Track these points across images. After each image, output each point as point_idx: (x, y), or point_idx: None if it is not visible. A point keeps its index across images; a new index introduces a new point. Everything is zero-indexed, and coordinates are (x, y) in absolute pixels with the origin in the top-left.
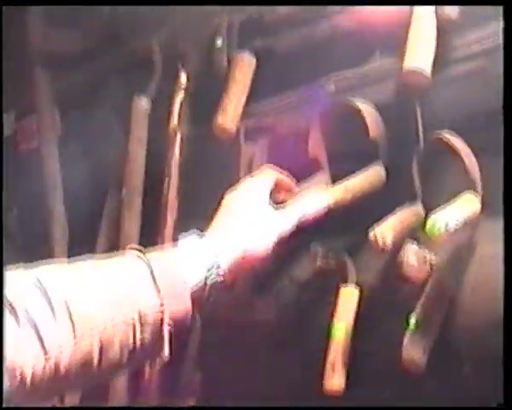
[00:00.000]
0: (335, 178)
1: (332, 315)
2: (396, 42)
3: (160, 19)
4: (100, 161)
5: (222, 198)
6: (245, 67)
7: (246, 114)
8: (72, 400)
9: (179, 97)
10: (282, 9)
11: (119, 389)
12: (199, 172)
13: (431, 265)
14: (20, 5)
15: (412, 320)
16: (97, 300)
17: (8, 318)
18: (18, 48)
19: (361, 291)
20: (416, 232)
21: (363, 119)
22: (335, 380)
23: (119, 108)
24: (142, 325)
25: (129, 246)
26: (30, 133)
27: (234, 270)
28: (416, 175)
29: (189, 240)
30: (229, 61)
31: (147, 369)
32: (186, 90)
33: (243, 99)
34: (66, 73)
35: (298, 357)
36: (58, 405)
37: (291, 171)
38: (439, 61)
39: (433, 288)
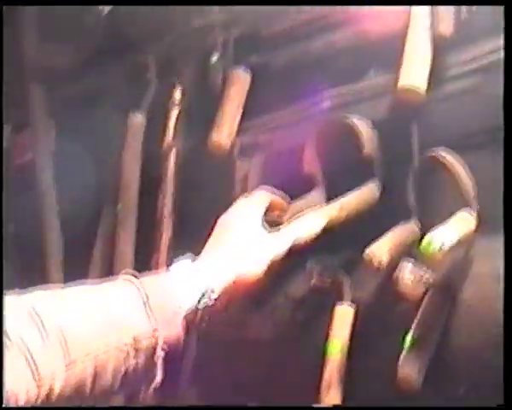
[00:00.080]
0: (330, 195)
1: (327, 333)
2: (391, 59)
3: (156, 34)
4: (94, 176)
5: (216, 221)
6: (240, 84)
7: (241, 130)
8: None
9: (174, 113)
10: (278, 25)
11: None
12: (194, 189)
13: (427, 283)
14: (20, 5)
15: (408, 338)
16: (91, 326)
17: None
18: (12, 62)
19: (356, 309)
20: (412, 250)
21: (358, 136)
22: (331, 398)
23: (114, 124)
24: (135, 350)
25: (123, 271)
26: (24, 148)
27: (227, 294)
28: (411, 192)
29: (182, 264)
30: (224, 78)
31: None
32: (181, 106)
33: (238, 115)
34: (61, 87)
35: (293, 375)
36: None
37: (286, 188)
38: (435, 79)
39: (428, 306)
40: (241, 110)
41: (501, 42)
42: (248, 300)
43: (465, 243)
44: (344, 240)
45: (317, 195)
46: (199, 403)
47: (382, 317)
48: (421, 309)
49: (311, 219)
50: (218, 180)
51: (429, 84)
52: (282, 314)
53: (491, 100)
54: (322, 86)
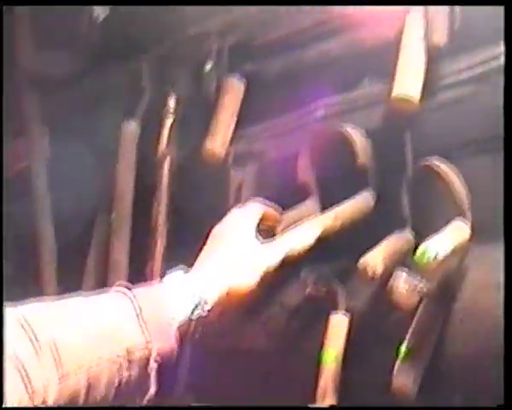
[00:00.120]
0: (325, 205)
1: (322, 342)
2: (385, 68)
3: (150, 42)
4: (88, 184)
5: (209, 231)
6: (234, 92)
7: (235, 138)
8: None
9: (169, 121)
10: (272, 33)
11: None
12: (188, 197)
13: (421, 292)
14: (20, 5)
15: (403, 348)
16: (84, 338)
17: None
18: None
19: (351, 318)
20: (406, 259)
21: (352, 145)
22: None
23: (108, 131)
24: (128, 362)
25: (116, 283)
26: (18, 156)
27: (220, 305)
28: (405, 202)
29: (175, 275)
30: (218, 86)
31: None
32: (175, 114)
33: (232, 124)
34: (55, 95)
35: (289, 384)
36: None
37: (280, 197)
38: (428, 88)
39: (423, 315)
40: (235, 119)
41: (494, 51)
42: (243, 310)
43: (459, 252)
44: (338, 249)
45: (311, 204)
46: None
47: (377, 326)
48: (415, 318)
49: (305, 230)
50: (212, 189)
51: (423, 93)
52: (276, 323)
53: (485, 109)
54: (317, 95)
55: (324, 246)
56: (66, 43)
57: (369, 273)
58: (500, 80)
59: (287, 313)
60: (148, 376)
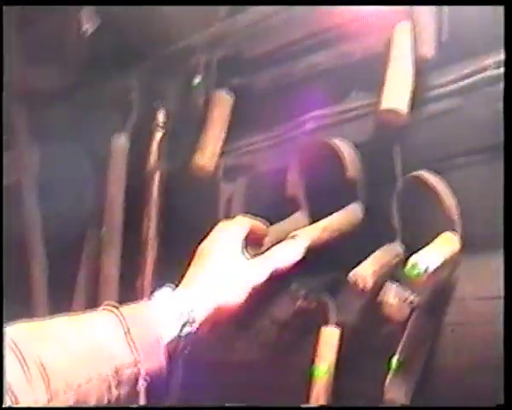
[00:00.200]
0: (314, 217)
1: (313, 355)
2: (374, 80)
3: (138, 56)
4: (78, 199)
5: (196, 248)
6: (223, 106)
7: (224, 152)
8: None
9: (158, 135)
10: (261, 47)
11: None
12: (178, 211)
13: (411, 304)
14: (20, 5)
15: (394, 361)
16: (72, 357)
17: None
18: None
19: (342, 331)
20: (396, 272)
21: (340, 158)
22: None
23: (97, 146)
24: (117, 381)
25: (105, 303)
26: (8, 170)
27: (208, 322)
28: (394, 214)
29: (163, 293)
30: (207, 100)
31: None
32: (165, 128)
33: (221, 138)
34: (45, 109)
35: (281, 396)
36: None
37: (270, 210)
38: (417, 100)
39: (414, 328)
40: (224, 132)
41: (482, 63)
42: (233, 324)
43: (450, 264)
44: (329, 262)
45: (300, 217)
46: None
47: (368, 339)
48: (406, 331)
49: (291, 246)
50: (202, 202)
51: (411, 105)
52: (268, 336)
53: (473, 121)
54: (305, 108)
55: (315, 259)
56: (55, 57)
57: (360, 286)
58: (488, 91)
59: (278, 326)
60: (137, 394)
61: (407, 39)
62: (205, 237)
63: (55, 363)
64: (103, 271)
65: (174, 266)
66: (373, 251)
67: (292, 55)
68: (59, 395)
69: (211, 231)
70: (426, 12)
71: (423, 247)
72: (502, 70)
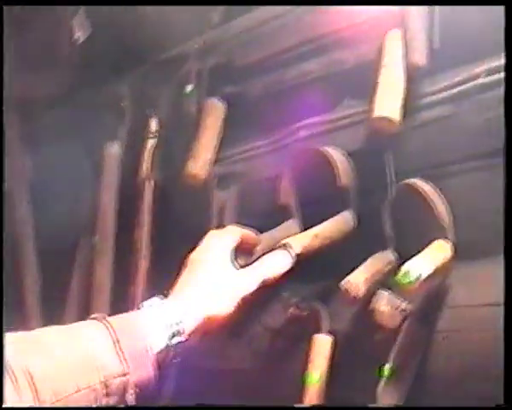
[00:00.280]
0: (306, 225)
1: (306, 363)
2: (366, 88)
3: (131, 64)
4: (71, 207)
5: (186, 257)
6: (215, 114)
7: (217, 160)
8: None
9: (150, 144)
10: (253, 55)
11: None
12: (171, 219)
13: (403, 312)
14: (20, 5)
15: (386, 368)
16: (60, 366)
17: None
18: None
19: (334, 339)
20: (388, 280)
21: (333, 166)
22: None
23: (90, 154)
24: (106, 391)
25: (92, 316)
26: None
27: (198, 332)
28: (386, 222)
29: (152, 304)
30: (199, 108)
31: None
32: (157, 136)
33: (214, 146)
34: (37, 117)
35: (273, 404)
36: None
37: (262, 218)
38: (409, 108)
39: (406, 335)
40: (216, 140)
41: (474, 70)
42: (226, 332)
43: (442, 272)
44: (321, 270)
45: (292, 225)
46: None
47: (360, 347)
48: (398, 339)
49: (281, 255)
50: (195, 210)
51: (403, 113)
52: (260, 344)
53: (465, 128)
54: (298, 116)
55: (307, 267)
56: (47, 65)
57: (352, 294)
58: (480, 99)
59: (270, 333)
60: (126, 404)
61: (399, 47)
62: (195, 246)
63: (43, 373)
64: (96, 279)
65: (167, 275)
66: (365, 259)
67: (284, 63)
68: (47, 405)
69: (202, 240)
70: (417, 19)
71: (415, 254)
72: (494, 77)
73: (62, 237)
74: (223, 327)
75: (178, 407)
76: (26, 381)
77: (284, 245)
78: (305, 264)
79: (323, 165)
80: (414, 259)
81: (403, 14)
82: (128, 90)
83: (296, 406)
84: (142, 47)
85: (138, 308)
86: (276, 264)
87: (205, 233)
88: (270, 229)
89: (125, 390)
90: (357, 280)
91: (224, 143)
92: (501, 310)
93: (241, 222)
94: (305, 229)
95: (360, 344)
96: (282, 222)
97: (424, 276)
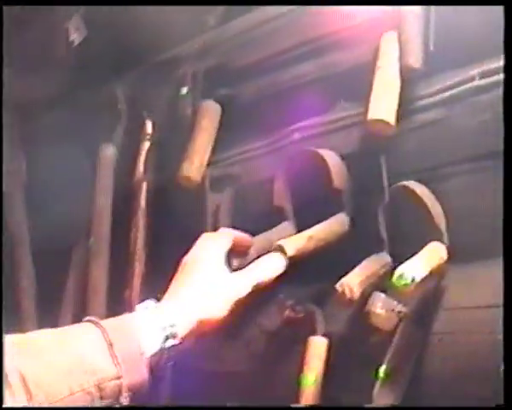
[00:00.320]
0: (300, 228)
1: (301, 365)
2: (360, 90)
3: (126, 66)
4: (66, 209)
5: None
6: (210, 116)
7: (212, 162)
8: None
9: (145, 146)
10: (247, 57)
11: None
12: (166, 222)
13: (399, 314)
14: (20, 5)
15: (382, 370)
16: (54, 369)
17: None
18: None
19: (330, 341)
20: (384, 282)
21: (327, 168)
22: None
23: (86, 155)
24: (100, 394)
25: (86, 319)
26: None
27: (192, 335)
28: (382, 224)
29: (146, 308)
30: (194, 110)
31: None
32: (152, 139)
33: (209, 148)
34: (32, 119)
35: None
36: None
37: (257, 220)
38: (404, 110)
39: (401, 337)
40: (211, 143)
41: (469, 73)
42: (221, 334)
43: (437, 274)
44: (316, 272)
45: (287, 227)
46: None
47: (356, 349)
48: (394, 341)
49: (274, 259)
50: (190, 213)
51: (398, 115)
52: (256, 346)
53: (459, 131)
54: (292, 118)
55: (302, 269)
56: (42, 67)
57: (347, 296)
58: (474, 101)
59: (266, 335)
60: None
61: (394, 49)
62: (189, 248)
63: (37, 376)
64: (91, 281)
65: (162, 277)
66: (360, 261)
67: (279, 66)
68: (42, 407)
69: (195, 242)
70: (413, 21)
71: (410, 257)
72: (488, 80)
73: (58, 239)
74: (216, 330)
75: (178, 407)
76: (20, 384)
77: (279, 246)
78: (300, 266)
79: (318, 167)
80: (409, 261)
81: (398, 17)
82: (124, 92)
83: (293, 406)
84: (138, 49)
85: (133, 311)
86: (269, 267)
87: (200, 235)
88: (265, 231)
89: (119, 393)
90: (352, 282)
91: (219, 145)
92: (496, 312)
93: (235, 224)
94: (300, 231)
95: (355, 346)
96: (277, 224)
97: (419, 278)
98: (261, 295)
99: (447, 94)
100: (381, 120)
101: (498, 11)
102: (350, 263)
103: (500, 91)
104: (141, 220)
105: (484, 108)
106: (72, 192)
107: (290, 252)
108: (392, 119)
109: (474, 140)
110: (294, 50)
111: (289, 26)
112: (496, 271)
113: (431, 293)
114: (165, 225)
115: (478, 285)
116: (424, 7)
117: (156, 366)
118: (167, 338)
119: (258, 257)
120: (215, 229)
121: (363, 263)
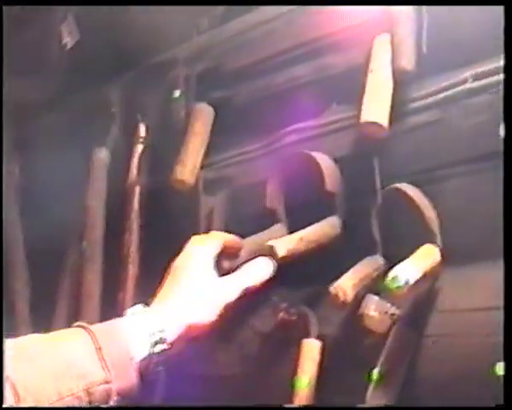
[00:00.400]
0: (293, 230)
1: (295, 367)
2: (354, 93)
3: (119, 69)
4: (59, 213)
5: (169, 264)
6: (204, 119)
7: (205, 165)
8: None
9: (138, 149)
10: (241, 60)
11: None
12: (159, 225)
13: (392, 317)
14: (20, 5)
15: (375, 373)
16: (43, 374)
17: None
18: None
19: (323, 344)
20: (377, 284)
21: (320, 171)
22: None
23: (78, 159)
24: (89, 398)
25: (76, 324)
26: None
27: (181, 339)
28: (375, 227)
29: (135, 312)
30: (187, 113)
31: None
32: (145, 142)
33: (202, 151)
34: (25, 122)
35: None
36: None
37: (250, 223)
38: (396, 112)
39: (395, 340)
40: (204, 145)
41: (462, 74)
42: (211, 338)
43: (430, 276)
44: (309, 275)
45: (279, 229)
46: None
47: (349, 351)
48: (387, 343)
49: (264, 263)
50: (183, 216)
51: (391, 118)
52: (249, 349)
53: (453, 133)
54: (285, 121)
55: (295, 272)
56: (35, 70)
57: (340, 299)
58: (467, 104)
59: (259, 338)
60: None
61: (387, 51)
62: (179, 253)
63: (26, 380)
64: (85, 285)
65: (155, 281)
66: (353, 264)
67: (272, 68)
68: None
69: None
70: (406, 24)
71: (404, 259)
72: (481, 82)
73: (51, 241)
74: (205, 335)
75: (178, 407)
76: (9, 388)
77: (269, 247)
78: (294, 269)
79: (311, 169)
80: (402, 263)
81: (391, 19)
82: (117, 95)
83: (286, 406)
84: (131, 52)
85: (122, 316)
86: (258, 272)
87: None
88: (257, 233)
89: (108, 398)
90: (345, 285)
91: (212, 148)
92: (494, 314)
93: (229, 227)
94: (292, 233)
95: (349, 349)
96: (270, 226)
97: (412, 281)
98: (255, 298)
99: (440, 96)
100: (374, 123)
101: (492, 12)
102: (343, 266)
103: (494, 93)
104: (134, 223)
105: (477, 111)
106: (66, 195)
107: (281, 253)
108: (384, 121)
109: (468, 142)
110: (288, 53)
111: (282, 28)
112: (493, 273)
113: (424, 295)
114: (158, 228)
115: (475, 287)
116: (416, 9)
117: (145, 371)
118: (156, 343)
119: (250, 259)
120: (208, 232)
121: (357, 266)
